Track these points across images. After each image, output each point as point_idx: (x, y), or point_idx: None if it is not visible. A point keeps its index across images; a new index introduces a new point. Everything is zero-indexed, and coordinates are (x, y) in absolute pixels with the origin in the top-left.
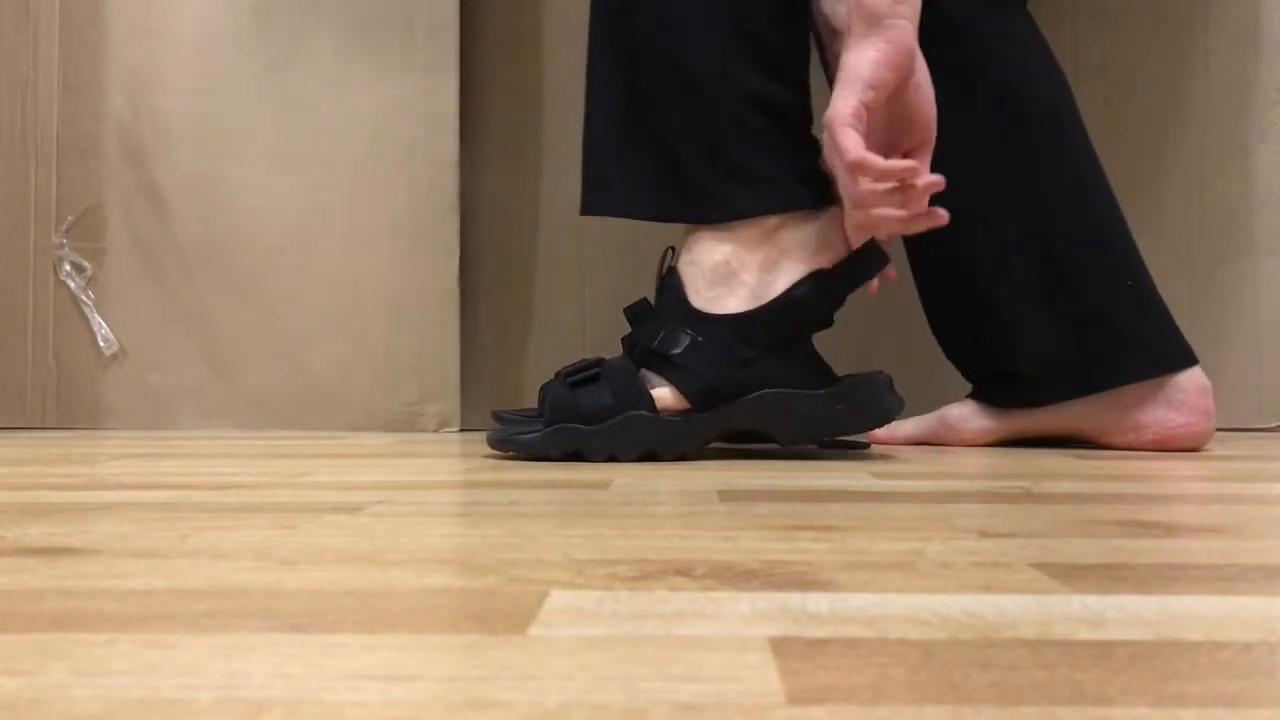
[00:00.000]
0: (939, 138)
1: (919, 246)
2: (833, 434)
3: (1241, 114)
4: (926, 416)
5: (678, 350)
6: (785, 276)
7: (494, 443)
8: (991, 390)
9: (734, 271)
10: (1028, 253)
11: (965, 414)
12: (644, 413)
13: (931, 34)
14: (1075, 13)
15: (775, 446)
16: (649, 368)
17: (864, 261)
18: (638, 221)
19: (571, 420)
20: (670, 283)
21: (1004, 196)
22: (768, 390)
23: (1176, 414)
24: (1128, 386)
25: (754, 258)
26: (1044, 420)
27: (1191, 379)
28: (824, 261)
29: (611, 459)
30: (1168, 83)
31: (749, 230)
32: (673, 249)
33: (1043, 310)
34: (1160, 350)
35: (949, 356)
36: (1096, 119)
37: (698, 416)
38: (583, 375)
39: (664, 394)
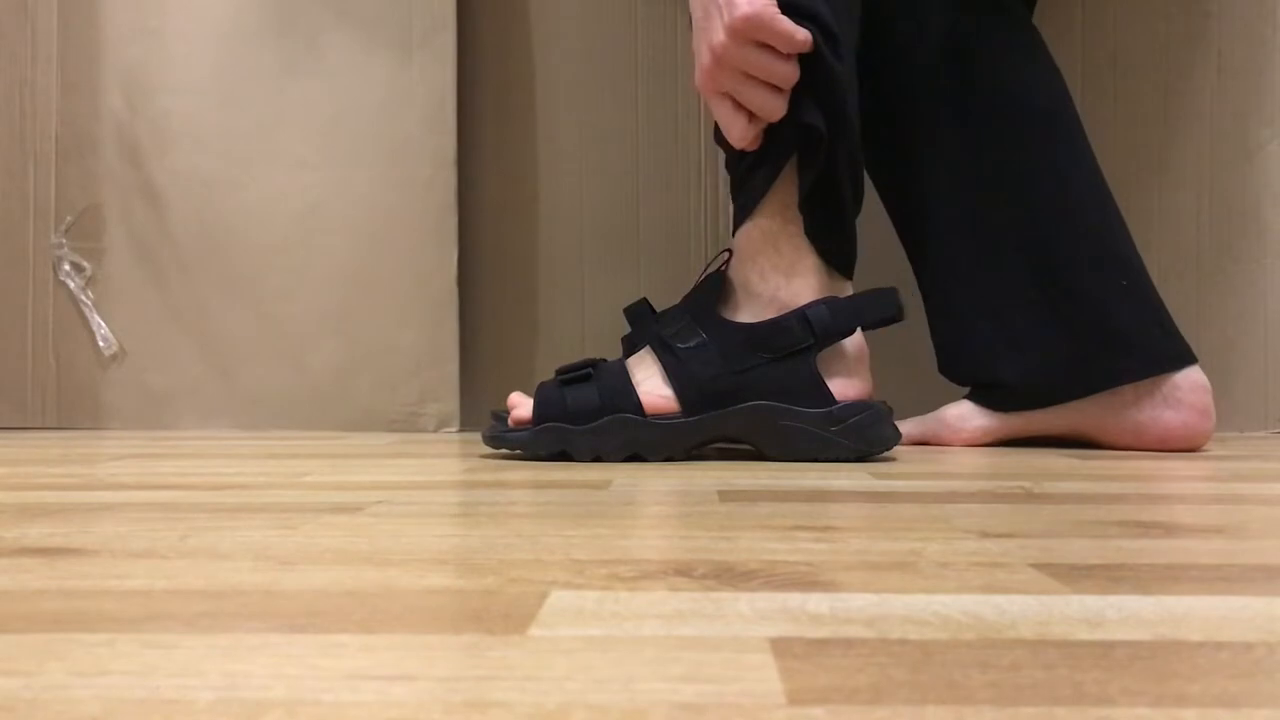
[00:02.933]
0: (937, 146)
1: (920, 250)
2: (822, 456)
3: (1254, 111)
4: (926, 416)
5: (684, 345)
6: (802, 296)
7: (487, 439)
8: (989, 392)
9: (756, 293)
10: (1024, 257)
11: (964, 413)
12: (630, 415)
13: (930, 45)
14: (1084, 6)
15: None
16: (654, 354)
17: (880, 302)
18: (639, 222)
19: (558, 419)
20: (710, 284)
21: (999, 203)
22: (759, 402)
23: (1174, 413)
24: (1126, 386)
25: (778, 278)
26: (1043, 420)
27: (1189, 378)
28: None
29: (598, 459)
30: (1178, 78)
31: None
32: (729, 251)
33: (1040, 313)
34: (1158, 350)
35: (946, 366)
36: (1104, 115)
37: (685, 420)
38: (574, 375)
39: (653, 397)
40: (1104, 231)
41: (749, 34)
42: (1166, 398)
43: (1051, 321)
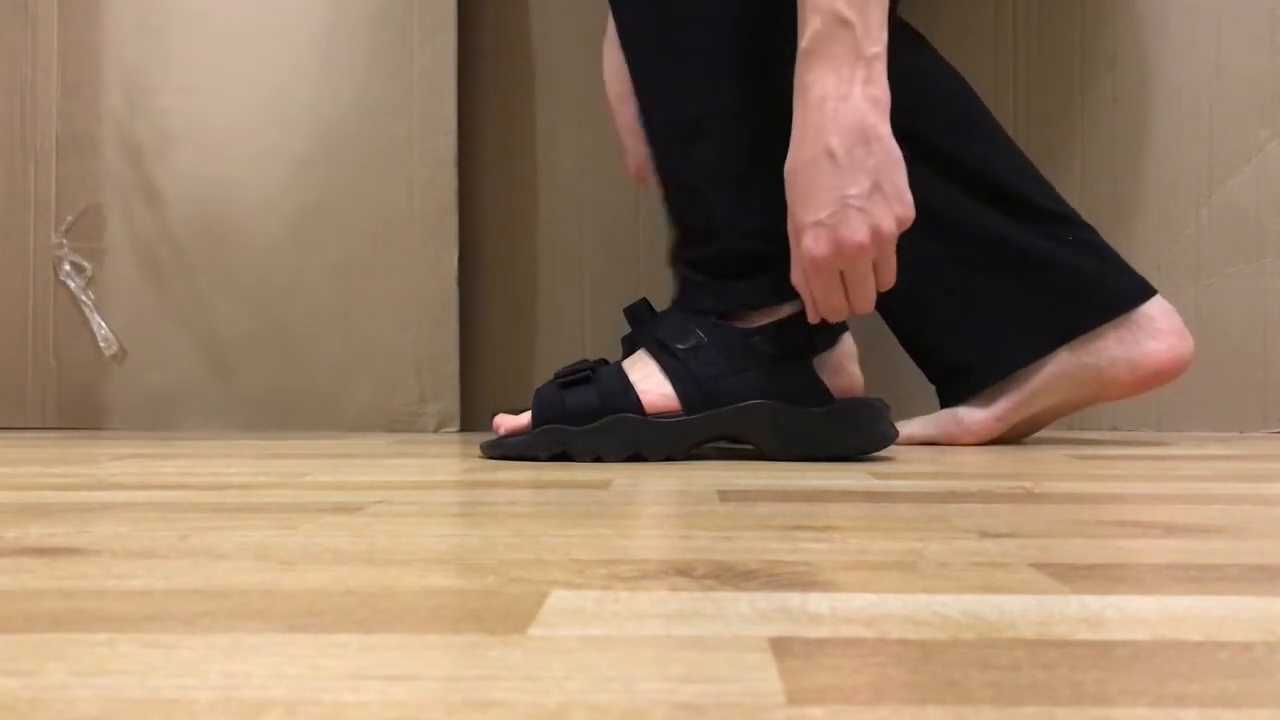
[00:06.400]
0: None
1: None
2: (820, 454)
3: (1254, 110)
4: (934, 415)
5: (683, 345)
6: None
7: (484, 446)
8: (973, 377)
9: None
10: (964, 235)
11: (971, 408)
12: (630, 415)
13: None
14: (1084, 5)
15: None
16: (652, 355)
17: None
18: (639, 222)
19: (558, 420)
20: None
21: (933, 197)
22: (758, 401)
23: (1157, 342)
24: (1101, 330)
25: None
26: (1036, 390)
27: (1156, 306)
28: None
29: (598, 459)
30: (1178, 77)
31: None
32: None
33: (996, 282)
34: (1123, 288)
35: (926, 367)
36: (1104, 115)
37: (685, 420)
38: (574, 377)
39: (653, 395)
40: (1035, 197)
41: (901, 232)
42: (1144, 329)
43: (1008, 287)
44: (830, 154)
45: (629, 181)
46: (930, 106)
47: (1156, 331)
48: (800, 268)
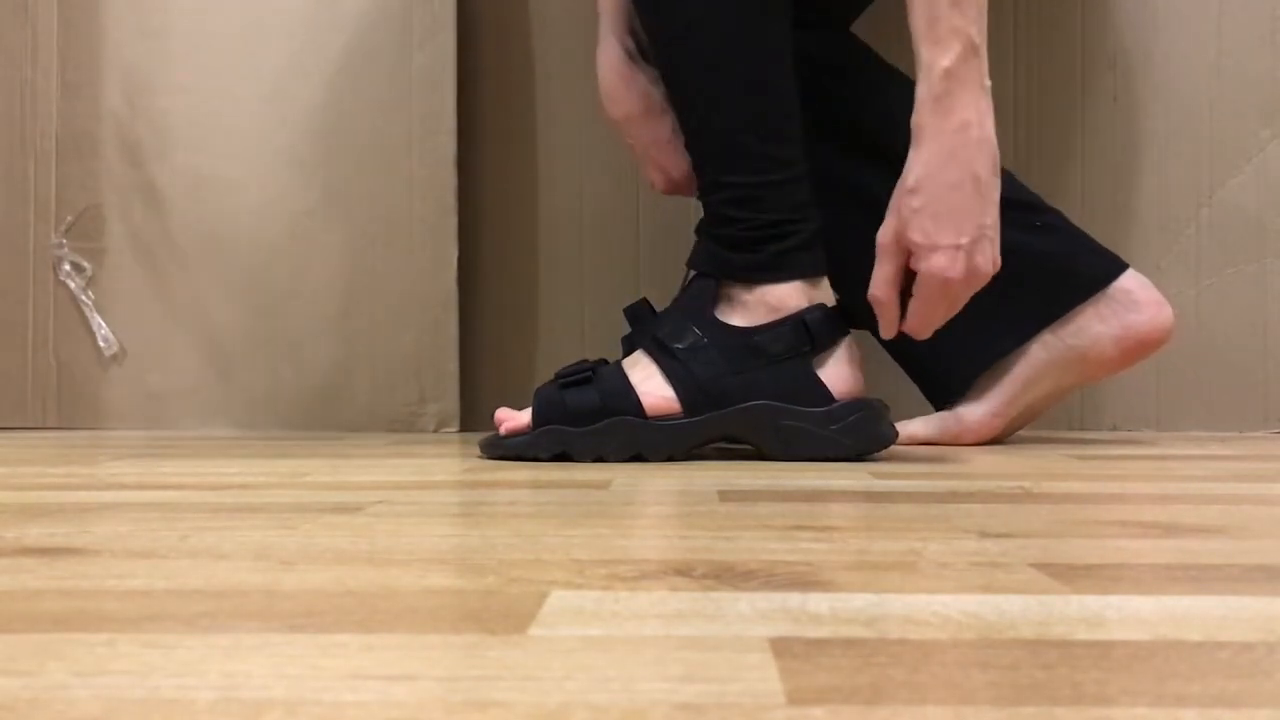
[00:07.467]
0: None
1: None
2: (821, 455)
3: (1254, 111)
4: (935, 415)
5: (681, 345)
6: (788, 299)
7: (484, 446)
8: (961, 374)
9: (743, 299)
10: None
11: (970, 407)
12: (631, 416)
13: (816, 87)
14: (1084, 5)
15: None
16: (651, 356)
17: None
18: (639, 222)
19: (559, 420)
20: (699, 285)
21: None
22: (758, 401)
23: (1136, 314)
24: (1080, 310)
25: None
26: (1028, 380)
27: (1131, 279)
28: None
29: (599, 460)
30: (1178, 77)
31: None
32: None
33: None
34: (1096, 266)
35: (920, 381)
36: (1104, 114)
37: (686, 421)
38: (575, 377)
39: (654, 397)
40: (1006, 193)
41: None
42: (1122, 303)
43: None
44: (976, 180)
45: (657, 191)
46: (905, 126)
47: (1135, 304)
48: (890, 281)
